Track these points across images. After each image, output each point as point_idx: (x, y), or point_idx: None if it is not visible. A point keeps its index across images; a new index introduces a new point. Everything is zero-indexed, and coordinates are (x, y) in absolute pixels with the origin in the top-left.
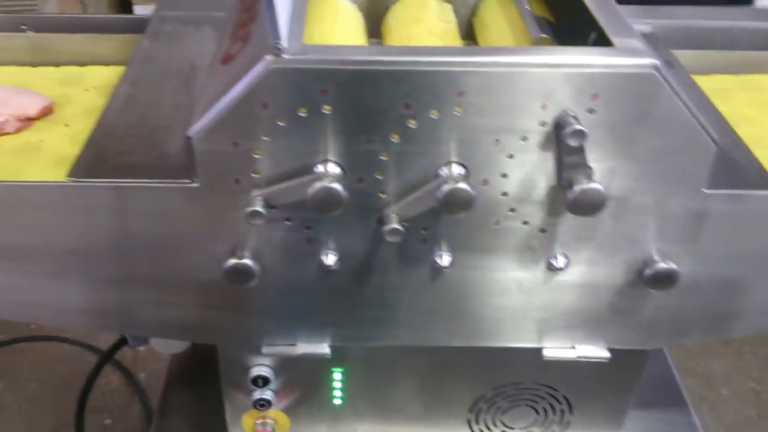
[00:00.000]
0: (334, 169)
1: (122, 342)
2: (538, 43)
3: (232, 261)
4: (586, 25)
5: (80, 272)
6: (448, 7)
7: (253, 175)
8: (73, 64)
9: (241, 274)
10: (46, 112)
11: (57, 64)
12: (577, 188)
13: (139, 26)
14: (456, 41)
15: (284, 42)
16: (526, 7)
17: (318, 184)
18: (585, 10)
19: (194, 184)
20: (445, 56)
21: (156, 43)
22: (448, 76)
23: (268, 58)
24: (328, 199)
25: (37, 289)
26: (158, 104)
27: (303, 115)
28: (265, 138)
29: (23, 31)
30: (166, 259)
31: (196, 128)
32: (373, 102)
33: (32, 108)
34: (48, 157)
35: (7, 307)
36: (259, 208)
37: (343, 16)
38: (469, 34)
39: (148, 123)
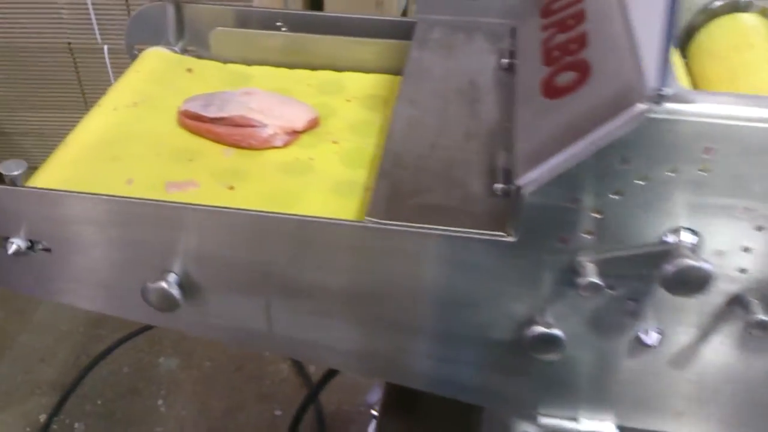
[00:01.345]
0: (689, 238)
1: (335, 371)
2: None
3: (540, 329)
4: None
5: (362, 315)
6: None
7: (584, 235)
8: (328, 68)
9: (547, 343)
10: (313, 125)
11: (312, 68)
12: None
13: (398, 30)
14: None
15: (665, 86)
16: None
17: (684, 261)
18: None
19: (509, 238)
20: None
21: (427, 53)
22: None
23: (642, 106)
24: (693, 279)
25: (315, 327)
26: (445, 130)
27: (671, 174)
28: (614, 197)
29: (279, 28)
30: (457, 313)
31: (529, 178)
32: None
33: (300, 120)
34: (322, 179)
35: (284, 342)
36: (597, 280)
37: None
38: None
39: (439, 154)
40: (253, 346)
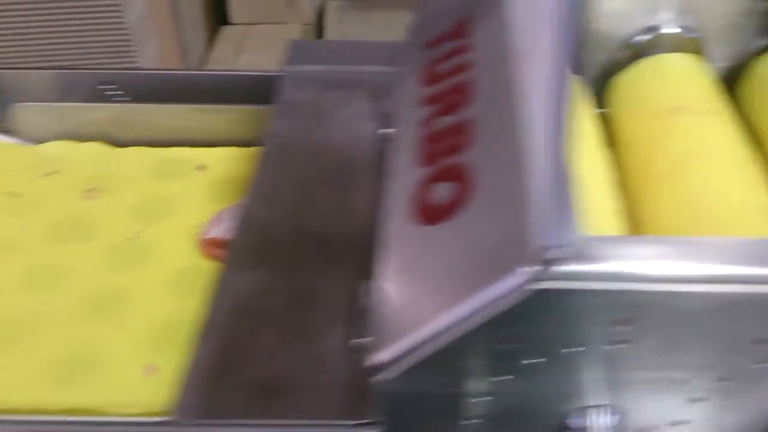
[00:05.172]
0: (607, 421)
1: None
2: None
3: None
4: None
5: None
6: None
7: (464, 422)
8: (174, 143)
9: None
10: None
11: (153, 143)
12: None
13: (260, 87)
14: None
15: (558, 239)
16: None
17: None
18: None
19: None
20: None
21: (290, 124)
22: None
23: (524, 270)
24: None
25: None
26: (302, 243)
27: (577, 350)
28: (498, 378)
29: (105, 95)
30: None
31: (388, 355)
32: (716, 334)
33: None
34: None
35: None
36: None
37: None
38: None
39: (292, 285)
40: None
